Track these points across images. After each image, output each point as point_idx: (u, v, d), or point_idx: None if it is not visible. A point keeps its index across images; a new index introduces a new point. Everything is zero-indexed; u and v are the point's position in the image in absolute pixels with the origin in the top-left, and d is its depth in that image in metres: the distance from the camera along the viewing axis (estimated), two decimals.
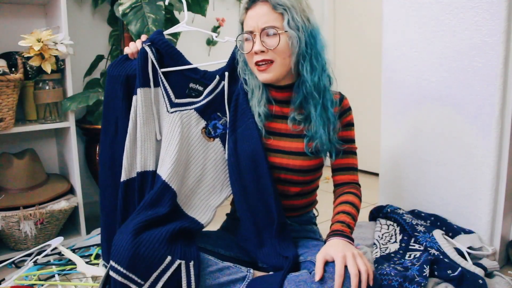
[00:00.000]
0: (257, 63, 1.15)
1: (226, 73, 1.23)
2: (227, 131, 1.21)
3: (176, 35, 1.92)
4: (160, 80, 1.22)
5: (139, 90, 1.19)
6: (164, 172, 1.16)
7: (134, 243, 0.98)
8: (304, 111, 1.20)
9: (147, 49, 1.20)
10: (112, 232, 1.20)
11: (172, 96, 1.22)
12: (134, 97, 1.20)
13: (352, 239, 1.08)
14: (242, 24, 1.19)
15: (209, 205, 1.22)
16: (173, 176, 1.16)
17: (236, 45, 1.23)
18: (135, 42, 1.25)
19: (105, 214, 1.25)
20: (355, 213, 1.17)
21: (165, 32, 1.34)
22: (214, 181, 1.24)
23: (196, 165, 1.22)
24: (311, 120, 1.19)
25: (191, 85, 1.23)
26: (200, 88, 1.23)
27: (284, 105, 1.22)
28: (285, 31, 1.12)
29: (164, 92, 1.22)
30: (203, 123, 1.23)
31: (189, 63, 1.25)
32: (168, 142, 1.19)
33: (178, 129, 1.20)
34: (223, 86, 1.24)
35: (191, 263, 1.03)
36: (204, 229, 1.21)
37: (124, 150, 1.19)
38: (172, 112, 1.21)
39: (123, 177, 1.19)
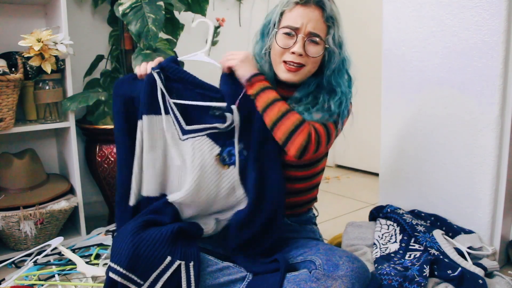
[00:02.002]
0: (287, 62, 1.15)
1: (234, 107, 1.16)
2: (248, 158, 1.17)
3: (176, 35, 1.92)
4: (170, 108, 1.17)
5: (144, 117, 1.15)
6: (174, 198, 1.15)
7: (134, 242, 0.98)
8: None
9: (156, 76, 1.15)
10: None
11: (183, 124, 1.17)
12: (139, 122, 1.16)
13: (255, 77, 1.15)
14: (282, 14, 1.17)
15: (214, 218, 1.21)
16: (182, 203, 1.15)
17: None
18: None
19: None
20: (285, 105, 1.13)
21: (181, 59, 1.30)
22: (223, 207, 1.21)
23: (209, 193, 1.17)
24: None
25: (214, 103, 1.18)
26: (224, 105, 1.17)
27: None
28: (327, 46, 1.15)
29: (174, 120, 1.17)
30: (217, 149, 1.17)
31: (206, 85, 1.19)
32: (181, 170, 1.16)
33: (191, 158, 1.15)
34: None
35: (191, 264, 1.03)
36: None
37: (133, 175, 1.17)
38: (184, 140, 1.17)
39: (132, 201, 1.17)
